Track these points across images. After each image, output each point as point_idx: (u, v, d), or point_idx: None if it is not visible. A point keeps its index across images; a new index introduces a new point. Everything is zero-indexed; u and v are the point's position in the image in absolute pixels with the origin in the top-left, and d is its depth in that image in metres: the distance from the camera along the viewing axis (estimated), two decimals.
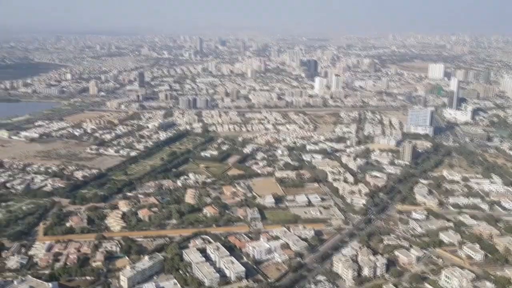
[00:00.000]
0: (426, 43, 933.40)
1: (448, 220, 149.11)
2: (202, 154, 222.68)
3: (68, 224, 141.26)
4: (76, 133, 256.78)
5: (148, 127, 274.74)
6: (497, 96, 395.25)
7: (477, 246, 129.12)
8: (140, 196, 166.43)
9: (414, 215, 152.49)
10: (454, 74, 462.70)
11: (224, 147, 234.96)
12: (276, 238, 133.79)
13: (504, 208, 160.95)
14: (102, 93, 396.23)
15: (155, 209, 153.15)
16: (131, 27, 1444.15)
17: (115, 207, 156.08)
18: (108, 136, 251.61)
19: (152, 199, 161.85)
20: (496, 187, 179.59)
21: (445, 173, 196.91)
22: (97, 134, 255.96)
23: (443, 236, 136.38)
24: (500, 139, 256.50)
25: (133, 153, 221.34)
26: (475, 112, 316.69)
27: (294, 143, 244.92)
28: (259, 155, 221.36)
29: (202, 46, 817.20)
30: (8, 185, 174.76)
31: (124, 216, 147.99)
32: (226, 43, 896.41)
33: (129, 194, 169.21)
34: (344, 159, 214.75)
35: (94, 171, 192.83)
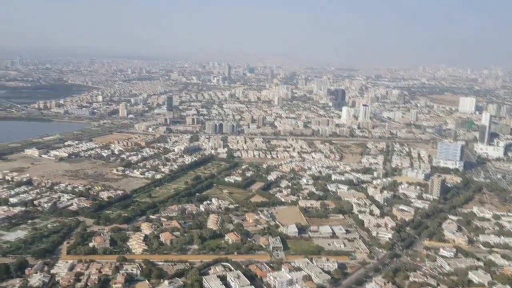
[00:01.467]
0: (457, 76, 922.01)
1: (478, 259, 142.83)
2: (226, 179, 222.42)
3: (91, 244, 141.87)
4: (104, 154, 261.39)
5: (174, 151, 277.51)
6: None
7: (508, 287, 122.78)
8: (163, 219, 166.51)
9: (442, 252, 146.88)
10: (486, 108, 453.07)
11: (248, 174, 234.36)
12: (298, 269, 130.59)
13: None
14: (131, 116, 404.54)
15: (177, 233, 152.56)
16: (163, 53, 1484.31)
17: (138, 229, 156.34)
18: (134, 158, 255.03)
19: (174, 223, 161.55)
20: None
21: (475, 209, 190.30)
22: (124, 156, 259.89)
23: (472, 276, 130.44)
24: None
25: (158, 176, 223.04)
26: (507, 147, 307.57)
27: (320, 172, 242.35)
28: (283, 183, 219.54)
29: (231, 72, 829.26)
30: (35, 202, 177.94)
31: (146, 238, 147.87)
32: (254, 70, 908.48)
33: (152, 216, 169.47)
34: (370, 191, 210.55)
35: (119, 192, 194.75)
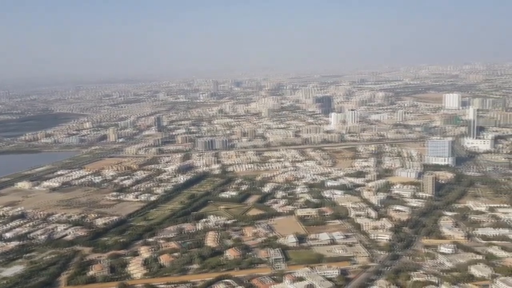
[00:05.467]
0: (439, 74, 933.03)
1: (478, 253, 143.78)
2: (222, 195, 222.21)
3: (90, 273, 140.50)
4: (96, 181, 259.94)
5: (166, 171, 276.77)
6: None
7: (510, 279, 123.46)
8: (160, 241, 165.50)
9: (442, 249, 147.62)
10: (471, 103, 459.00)
11: (243, 187, 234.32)
12: (301, 279, 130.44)
13: None
14: (121, 140, 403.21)
15: (176, 254, 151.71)
16: (149, 74, 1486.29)
17: (136, 253, 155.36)
18: (127, 182, 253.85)
19: (173, 244, 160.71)
20: None
21: (470, 204, 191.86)
22: (116, 181, 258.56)
23: (473, 270, 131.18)
24: None
25: (152, 198, 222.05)
26: (495, 140, 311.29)
27: (314, 180, 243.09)
28: (279, 194, 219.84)
29: (218, 88, 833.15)
30: (30, 235, 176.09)
31: (145, 262, 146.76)
32: (240, 84, 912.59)
33: (149, 239, 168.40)
34: (365, 194, 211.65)
35: (115, 218, 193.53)
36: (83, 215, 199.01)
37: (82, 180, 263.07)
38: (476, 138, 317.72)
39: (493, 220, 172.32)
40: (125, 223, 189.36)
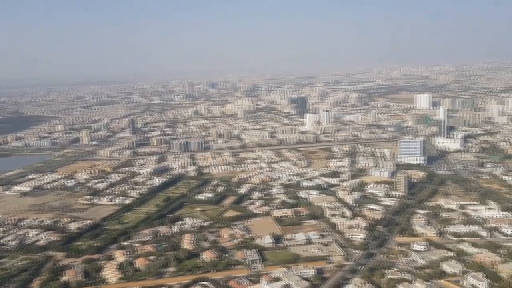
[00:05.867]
0: (411, 75, 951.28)
1: (449, 250, 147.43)
2: (198, 197, 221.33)
3: (63, 279, 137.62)
4: (69, 184, 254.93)
5: (141, 174, 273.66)
6: (484, 122, 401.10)
7: (480, 274, 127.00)
8: (136, 245, 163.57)
9: (415, 246, 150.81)
10: (441, 103, 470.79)
11: (219, 189, 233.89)
12: (277, 279, 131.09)
13: (503, 234, 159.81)
14: (94, 142, 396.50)
15: (152, 257, 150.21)
16: (122, 75, 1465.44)
17: (111, 258, 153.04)
18: (101, 185, 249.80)
19: (148, 247, 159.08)
20: (493, 213, 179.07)
21: (441, 202, 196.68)
22: (90, 184, 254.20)
23: (445, 267, 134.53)
24: (492, 164, 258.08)
25: (127, 201, 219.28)
26: (465, 139, 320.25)
27: (289, 180, 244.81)
28: (255, 195, 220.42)
29: (193, 89, 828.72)
30: (1, 241, 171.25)
31: (120, 266, 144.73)
32: (216, 86, 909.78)
33: (124, 243, 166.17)
34: (340, 193, 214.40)
35: (88, 222, 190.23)
36: (55, 219, 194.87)
37: (54, 184, 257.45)
38: (447, 137, 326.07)
39: (463, 218, 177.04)
40: (99, 227, 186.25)
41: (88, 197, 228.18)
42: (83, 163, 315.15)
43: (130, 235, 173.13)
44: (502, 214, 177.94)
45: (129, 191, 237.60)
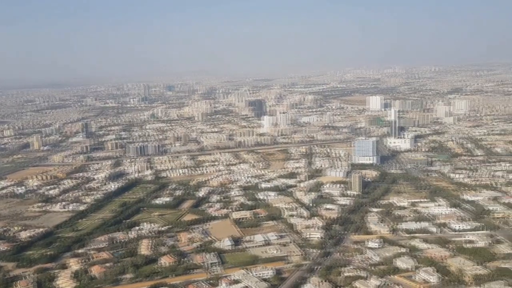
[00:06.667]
0: (363, 78, 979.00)
1: (402, 246, 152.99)
2: (155, 201, 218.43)
3: None
4: (19, 191, 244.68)
5: (96, 179, 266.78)
6: (433, 122, 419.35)
7: (431, 269, 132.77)
8: (91, 252, 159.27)
9: (369, 244, 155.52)
10: (392, 105, 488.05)
11: (177, 193, 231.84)
12: (237, 281, 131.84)
13: (452, 229, 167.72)
14: (46, 147, 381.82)
15: (108, 264, 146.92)
16: (75, 78, 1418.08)
17: (65, 266, 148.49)
18: (53, 192, 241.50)
19: (104, 254, 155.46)
20: (442, 210, 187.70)
21: (394, 200, 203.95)
22: (41, 191, 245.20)
23: (398, 263, 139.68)
24: (440, 163, 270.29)
25: (81, 207, 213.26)
26: (415, 139, 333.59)
27: (248, 182, 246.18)
28: (214, 198, 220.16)
29: (149, 92, 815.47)
30: None
31: (75, 275, 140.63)
32: (173, 88, 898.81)
33: (79, 251, 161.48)
34: (297, 194, 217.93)
35: (41, 230, 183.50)
36: (5, 228, 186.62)
37: (4, 191, 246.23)
38: (398, 137, 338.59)
39: (414, 215, 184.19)
40: (52, 235, 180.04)
41: (40, 204, 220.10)
42: (34, 169, 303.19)
43: (85, 243, 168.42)
44: (450, 210, 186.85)
45: (83, 197, 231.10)
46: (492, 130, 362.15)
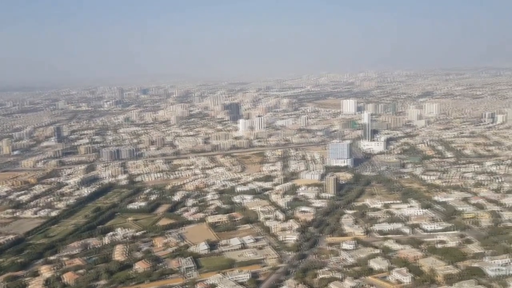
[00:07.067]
0: (337, 81, 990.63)
1: (376, 247, 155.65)
2: (130, 206, 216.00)
3: None
4: None
5: (69, 184, 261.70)
6: (405, 125, 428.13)
7: (404, 270, 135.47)
8: (64, 258, 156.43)
9: (344, 245, 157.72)
10: (365, 108, 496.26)
11: (153, 197, 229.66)
12: (213, 286, 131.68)
13: (424, 230, 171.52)
14: (16, 152, 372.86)
15: (81, 271, 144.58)
16: (46, 81, 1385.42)
17: (36, 274, 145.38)
18: (24, 198, 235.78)
19: (77, 261, 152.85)
20: (414, 211, 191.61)
21: (367, 201, 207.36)
22: (12, 197, 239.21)
23: (372, 264, 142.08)
24: (412, 165, 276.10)
25: (53, 213, 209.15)
26: (387, 141, 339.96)
27: (224, 186, 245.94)
28: (190, 202, 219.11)
29: (123, 96, 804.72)
30: None
31: (47, 282, 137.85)
32: (147, 92, 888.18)
33: (51, 258, 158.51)
34: (273, 197, 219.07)
35: (11, 236, 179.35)
36: None
37: None
38: (371, 140, 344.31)
39: (388, 216, 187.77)
40: (23, 241, 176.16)
41: (10, 210, 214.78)
42: (4, 174, 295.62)
43: (57, 249, 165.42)
44: (422, 211, 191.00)
45: (55, 202, 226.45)
46: (462, 133, 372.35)
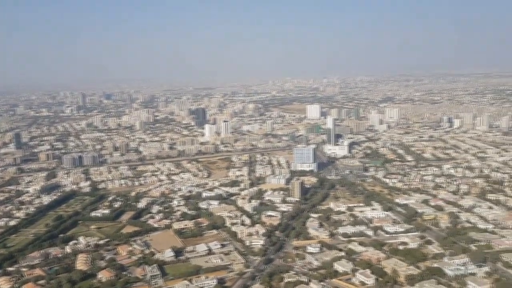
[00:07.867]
0: (302, 87, 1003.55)
1: (340, 250, 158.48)
2: (93, 214, 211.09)
3: None
4: None
5: (28, 192, 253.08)
6: (367, 130, 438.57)
7: (368, 271, 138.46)
8: (23, 269, 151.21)
9: (309, 249, 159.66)
10: (329, 113, 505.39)
11: (116, 204, 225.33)
12: None
13: (386, 232, 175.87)
14: None
15: (42, 281, 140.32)
16: (4, 86, 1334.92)
17: None
18: None
19: (37, 271, 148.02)
20: (377, 213, 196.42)
21: (332, 205, 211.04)
22: None
23: (337, 266, 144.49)
24: (374, 168, 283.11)
25: (12, 222, 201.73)
26: (351, 146, 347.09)
27: (190, 191, 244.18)
28: (155, 208, 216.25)
29: (85, 101, 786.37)
30: None
31: None
32: (111, 97, 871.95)
33: (10, 269, 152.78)
34: (239, 202, 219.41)
35: None
36: None
37: None
38: (335, 144, 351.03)
39: (351, 219, 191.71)
40: None
41: None
42: None
43: (17, 259, 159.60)
44: (384, 214, 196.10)
45: (14, 211, 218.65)
46: (421, 137, 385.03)
